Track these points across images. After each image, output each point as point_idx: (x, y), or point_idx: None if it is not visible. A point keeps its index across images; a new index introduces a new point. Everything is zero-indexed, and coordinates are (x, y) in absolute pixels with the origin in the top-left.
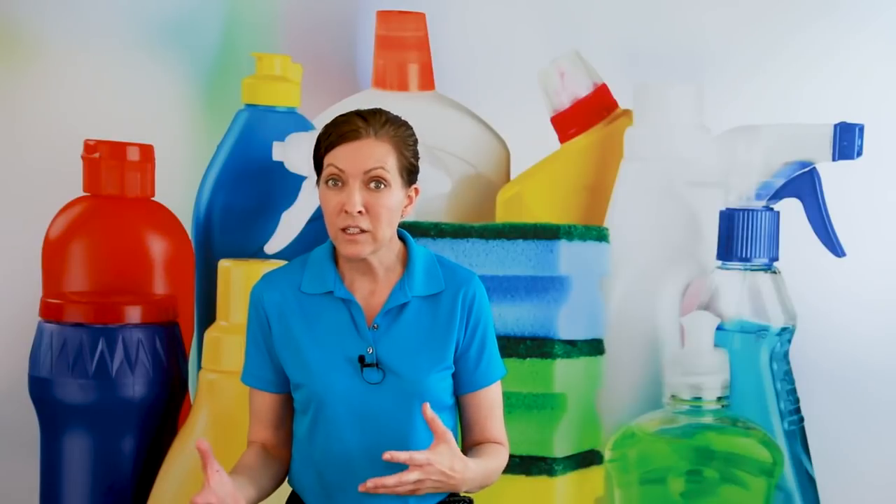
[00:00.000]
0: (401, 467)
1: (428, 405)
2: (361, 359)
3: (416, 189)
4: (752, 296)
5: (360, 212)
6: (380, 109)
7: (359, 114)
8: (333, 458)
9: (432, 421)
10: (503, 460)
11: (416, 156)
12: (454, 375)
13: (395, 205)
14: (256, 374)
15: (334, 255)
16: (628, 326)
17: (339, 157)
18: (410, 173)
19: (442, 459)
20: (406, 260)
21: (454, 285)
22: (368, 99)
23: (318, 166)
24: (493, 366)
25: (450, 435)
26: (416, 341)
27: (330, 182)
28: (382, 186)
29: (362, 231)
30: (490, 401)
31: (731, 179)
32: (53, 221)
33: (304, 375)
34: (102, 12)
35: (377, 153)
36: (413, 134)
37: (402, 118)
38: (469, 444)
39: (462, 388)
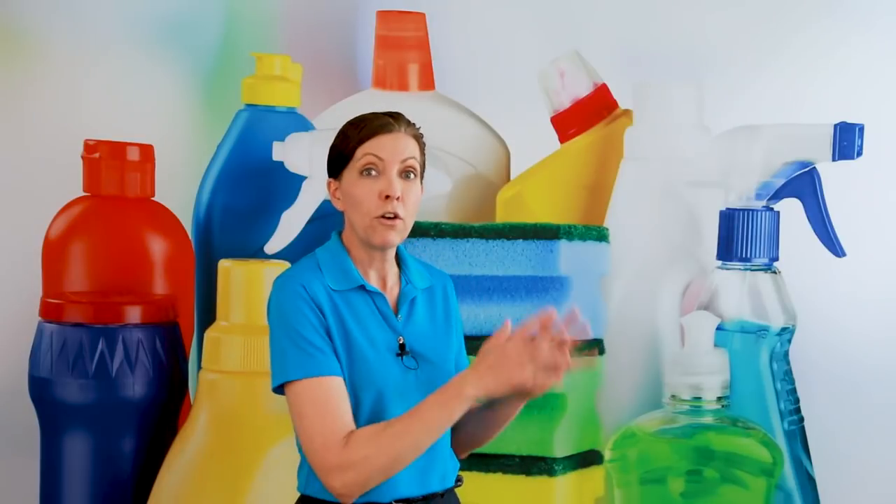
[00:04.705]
0: (440, 443)
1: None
2: (402, 346)
3: (421, 188)
4: (752, 296)
5: (397, 198)
6: (398, 112)
7: (383, 113)
8: None
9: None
10: None
11: (426, 157)
12: None
13: (419, 196)
14: (328, 362)
15: (346, 252)
16: (628, 326)
17: (378, 146)
18: (423, 171)
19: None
20: (396, 257)
21: (439, 280)
22: (368, 99)
23: (344, 161)
24: (466, 356)
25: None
26: (430, 329)
27: (365, 172)
28: (413, 176)
29: (397, 217)
30: None
31: (731, 179)
32: (53, 221)
33: (360, 368)
34: (103, 13)
35: (410, 145)
36: (423, 136)
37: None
38: (459, 426)
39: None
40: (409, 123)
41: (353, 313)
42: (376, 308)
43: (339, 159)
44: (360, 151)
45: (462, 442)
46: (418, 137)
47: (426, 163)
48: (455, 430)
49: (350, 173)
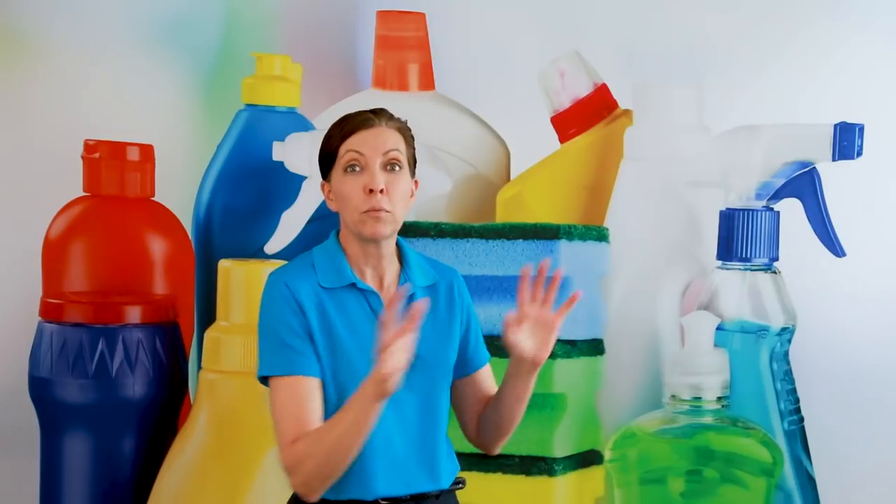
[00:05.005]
0: (431, 442)
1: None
2: None
3: (416, 182)
4: (752, 296)
5: (381, 191)
6: (382, 108)
7: (366, 110)
8: (377, 443)
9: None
10: None
11: (415, 150)
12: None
13: (408, 189)
14: (303, 361)
15: (342, 250)
16: (628, 326)
17: (358, 142)
18: (413, 164)
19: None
20: (399, 255)
21: (445, 277)
22: (368, 99)
23: (330, 160)
24: (484, 349)
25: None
26: (428, 328)
27: (349, 168)
28: (398, 169)
29: (385, 211)
30: (489, 373)
31: (731, 179)
32: (53, 221)
33: (344, 368)
34: (103, 13)
35: (392, 138)
36: (411, 131)
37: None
38: (471, 416)
39: (464, 370)
40: (391, 117)
41: (342, 312)
42: (369, 306)
43: (326, 160)
44: (342, 149)
45: (486, 434)
46: (403, 130)
47: (425, 159)
48: (479, 424)
49: (337, 172)
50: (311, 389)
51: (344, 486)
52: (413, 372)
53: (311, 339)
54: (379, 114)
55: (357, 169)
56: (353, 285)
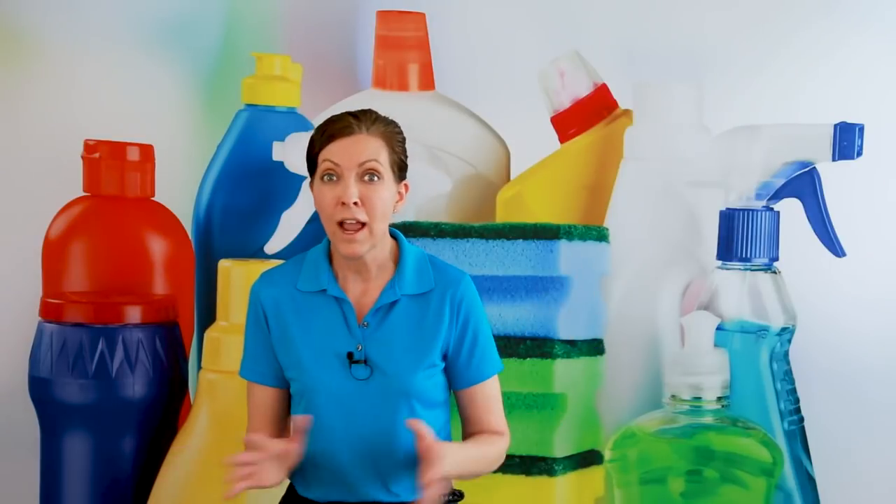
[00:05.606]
0: (385, 457)
1: (417, 422)
2: (350, 355)
3: (405, 185)
4: (752, 296)
5: (355, 203)
6: (369, 109)
7: (349, 113)
8: (320, 449)
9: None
10: (496, 447)
11: (405, 152)
12: (448, 372)
13: (389, 198)
14: (256, 368)
15: (329, 254)
16: (628, 326)
17: (334, 152)
18: (401, 169)
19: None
20: (398, 259)
21: (443, 285)
22: (368, 99)
23: (312, 166)
24: (487, 362)
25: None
26: (403, 339)
27: (325, 177)
28: (376, 179)
29: (359, 223)
30: (486, 395)
31: (731, 179)
32: (53, 221)
33: (296, 370)
34: (103, 13)
35: (370, 147)
36: (401, 132)
37: (391, 118)
38: (467, 436)
39: (457, 385)
40: (375, 121)
41: (307, 317)
42: (341, 313)
43: (310, 165)
44: (320, 157)
45: None
46: (388, 134)
47: (425, 159)
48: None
49: (316, 179)
50: (261, 396)
51: (302, 486)
52: (374, 383)
53: (269, 349)
54: (362, 118)
55: (334, 178)
56: (325, 291)
